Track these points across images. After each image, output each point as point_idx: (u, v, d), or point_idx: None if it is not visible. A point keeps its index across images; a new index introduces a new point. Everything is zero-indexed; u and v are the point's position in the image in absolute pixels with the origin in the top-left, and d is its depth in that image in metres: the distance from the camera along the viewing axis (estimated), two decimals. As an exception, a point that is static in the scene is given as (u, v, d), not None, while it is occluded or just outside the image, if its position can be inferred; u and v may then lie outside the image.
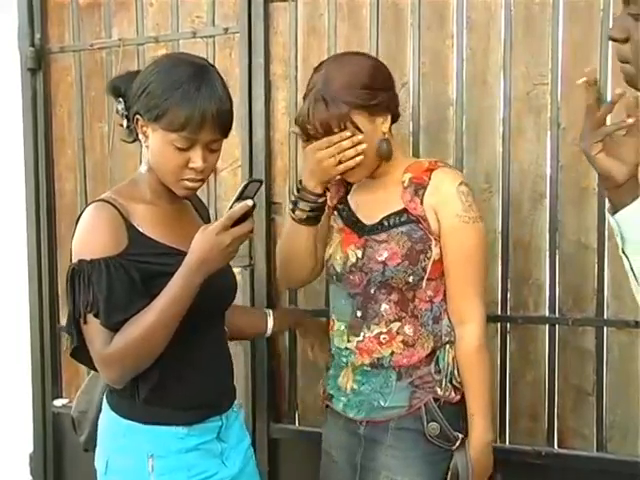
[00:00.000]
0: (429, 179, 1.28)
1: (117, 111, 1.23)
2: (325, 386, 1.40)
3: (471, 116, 1.67)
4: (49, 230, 2.14)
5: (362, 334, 1.29)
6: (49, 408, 2.17)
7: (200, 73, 1.16)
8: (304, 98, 1.29)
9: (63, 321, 2.12)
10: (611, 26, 0.94)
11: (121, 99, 1.23)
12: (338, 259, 1.33)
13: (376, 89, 1.26)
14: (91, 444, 1.36)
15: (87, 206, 1.21)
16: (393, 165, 1.32)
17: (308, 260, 1.36)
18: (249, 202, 1.09)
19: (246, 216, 1.10)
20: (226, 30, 1.88)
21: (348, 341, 1.31)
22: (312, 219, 1.33)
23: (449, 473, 1.26)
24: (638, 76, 0.94)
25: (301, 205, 1.32)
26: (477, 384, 1.28)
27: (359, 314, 1.29)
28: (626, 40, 0.93)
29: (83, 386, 1.43)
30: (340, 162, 1.26)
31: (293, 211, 1.33)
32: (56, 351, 2.17)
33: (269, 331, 1.53)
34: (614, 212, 0.96)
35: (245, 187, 1.11)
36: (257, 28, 1.83)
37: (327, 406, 1.40)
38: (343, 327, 1.32)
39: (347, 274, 1.30)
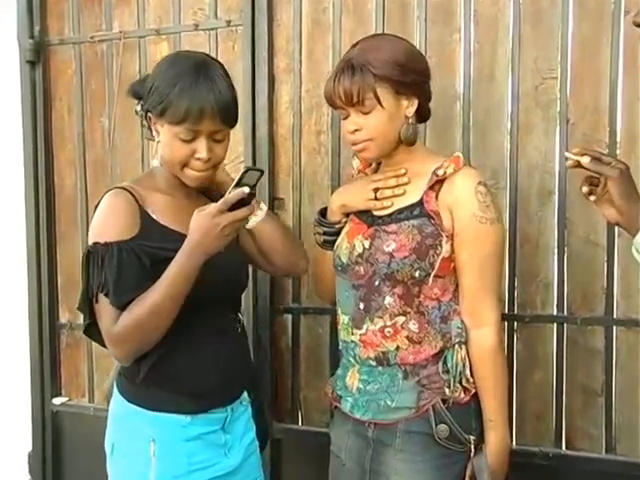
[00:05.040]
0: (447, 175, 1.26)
1: (136, 112, 1.32)
2: (333, 387, 1.37)
3: (478, 111, 1.65)
4: (48, 226, 2.13)
5: (365, 327, 1.27)
6: (48, 406, 2.16)
7: (199, 67, 1.22)
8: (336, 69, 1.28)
9: (62, 318, 2.16)
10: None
11: (139, 101, 1.31)
12: (344, 249, 1.30)
13: (408, 69, 1.24)
14: None
15: (106, 192, 1.28)
16: (412, 156, 1.30)
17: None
18: (245, 189, 1.14)
19: (243, 203, 1.15)
20: (229, 23, 1.87)
21: (352, 334, 1.29)
22: (330, 243, 1.35)
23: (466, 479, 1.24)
24: None
25: (318, 230, 1.35)
26: (494, 388, 1.25)
27: (361, 306, 1.27)
28: None
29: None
30: (376, 198, 1.28)
31: (314, 234, 1.37)
32: (55, 349, 2.16)
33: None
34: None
35: (243, 174, 1.16)
36: (260, 21, 1.82)
37: (335, 407, 1.37)
38: (347, 320, 1.30)
39: (352, 265, 1.28)
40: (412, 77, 1.25)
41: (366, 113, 1.23)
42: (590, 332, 1.59)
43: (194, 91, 1.19)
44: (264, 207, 1.36)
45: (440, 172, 1.24)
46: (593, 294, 1.59)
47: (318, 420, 1.81)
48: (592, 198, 1.09)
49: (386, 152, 1.28)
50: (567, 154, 1.09)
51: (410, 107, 1.26)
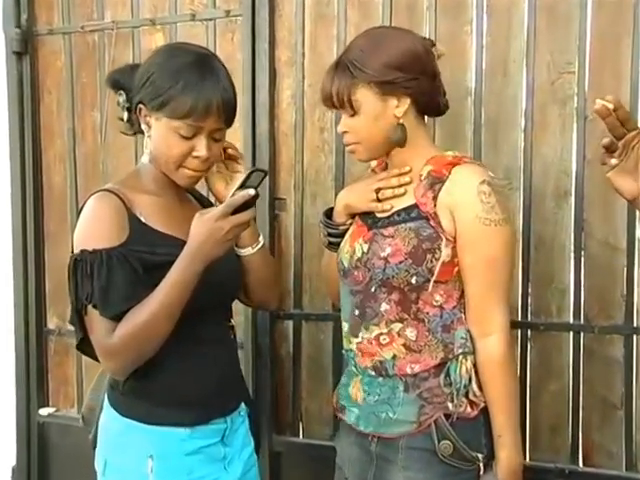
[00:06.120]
0: (449, 174, 1.19)
1: (118, 104, 1.28)
2: (337, 397, 1.34)
3: (490, 108, 1.61)
4: (36, 226, 2.09)
5: (360, 335, 1.24)
6: (34, 417, 2.12)
7: (204, 61, 1.21)
8: None
9: (50, 324, 2.14)
10: None
11: (122, 92, 1.27)
12: (345, 253, 1.27)
13: (395, 68, 1.18)
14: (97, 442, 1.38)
15: (90, 196, 1.23)
16: (415, 155, 1.24)
17: None
18: (251, 191, 1.11)
19: (247, 205, 1.12)
20: (228, 13, 1.83)
21: (350, 342, 1.27)
22: (335, 245, 1.32)
23: None
24: None
25: (323, 230, 1.34)
26: (503, 401, 1.19)
27: (356, 313, 1.24)
28: None
29: (92, 383, 1.44)
30: (379, 199, 1.25)
31: (320, 234, 1.36)
32: (42, 356, 2.12)
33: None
34: None
35: (248, 176, 1.14)
36: (261, 11, 1.79)
37: (340, 419, 1.34)
38: (347, 327, 1.28)
39: (352, 269, 1.25)
40: (400, 76, 1.18)
41: (351, 115, 1.20)
42: (608, 341, 1.55)
43: (201, 86, 1.17)
44: (262, 240, 1.34)
45: (423, 174, 1.20)
46: (612, 301, 1.54)
47: (320, 432, 1.78)
48: (613, 162, 0.99)
49: (379, 153, 1.25)
50: (599, 100, 0.98)
51: (400, 106, 1.20)
